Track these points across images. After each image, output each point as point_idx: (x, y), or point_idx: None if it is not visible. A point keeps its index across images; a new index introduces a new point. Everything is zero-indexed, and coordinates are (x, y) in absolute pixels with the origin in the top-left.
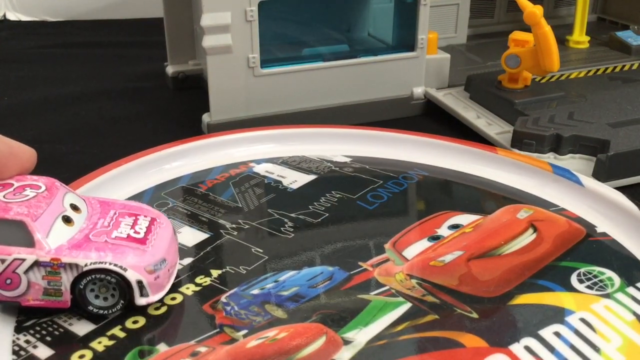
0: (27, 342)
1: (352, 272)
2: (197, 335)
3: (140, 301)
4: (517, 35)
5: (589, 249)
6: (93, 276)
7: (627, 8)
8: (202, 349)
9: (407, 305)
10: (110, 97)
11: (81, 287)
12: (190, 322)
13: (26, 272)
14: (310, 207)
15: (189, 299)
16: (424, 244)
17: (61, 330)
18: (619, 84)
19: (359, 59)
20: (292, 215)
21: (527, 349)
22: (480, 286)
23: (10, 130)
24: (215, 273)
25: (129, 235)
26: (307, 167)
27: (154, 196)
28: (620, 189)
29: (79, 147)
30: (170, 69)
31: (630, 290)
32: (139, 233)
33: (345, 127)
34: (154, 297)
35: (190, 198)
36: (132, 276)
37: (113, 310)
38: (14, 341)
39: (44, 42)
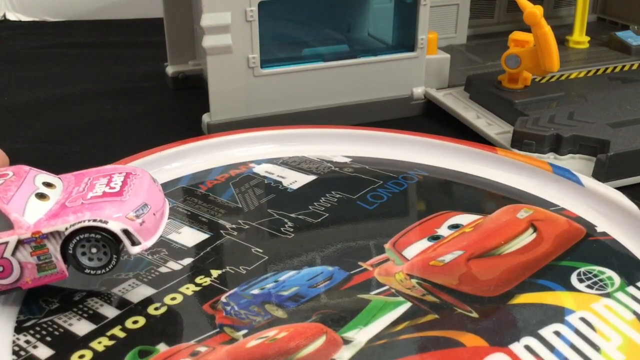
0: (27, 342)
1: (352, 272)
2: (197, 335)
3: (134, 250)
4: (517, 35)
5: (589, 249)
6: (78, 237)
7: (627, 8)
8: (202, 349)
9: (407, 305)
10: (110, 97)
11: (70, 251)
12: (190, 322)
13: (13, 254)
14: (310, 207)
15: (189, 299)
16: (424, 243)
17: (61, 330)
18: (619, 84)
19: (359, 59)
20: (292, 215)
21: (527, 348)
22: (480, 286)
23: (11, 130)
24: (215, 273)
25: (104, 192)
26: (307, 168)
27: None
28: (620, 189)
29: (79, 147)
30: (170, 69)
31: (630, 289)
32: (114, 188)
33: (345, 128)
34: (146, 243)
35: (190, 198)
36: (115, 227)
37: (109, 267)
38: (14, 341)
39: (44, 42)
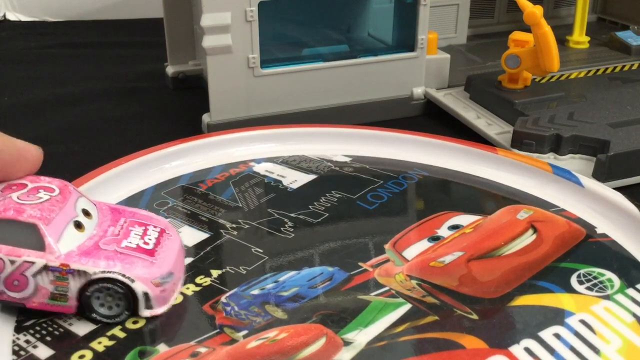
0: (27, 342)
1: (352, 273)
2: (197, 335)
3: (144, 313)
4: (517, 35)
5: (588, 250)
6: (100, 285)
7: (627, 8)
8: (202, 350)
9: (407, 306)
10: (110, 97)
11: (88, 294)
12: (191, 322)
13: (34, 275)
14: (310, 207)
15: (189, 299)
16: (424, 244)
17: (61, 330)
18: (619, 84)
19: (359, 59)
20: (292, 215)
21: (527, 350)
22: (480, 287)
23: (10, 130)
24: (215, 273)
25: (138, 246)
26: (307, 167)
27: (153, 195)
28: (620, 189)
29: (79, 147)
30: (170, 69)
31: (630, 291)
32: (148, 244)
33: (345, 127)
34: (158, 310)
35: (190, 197)
36: (139, 288)
37: (117, 319)
38: (14, 341)
39: (44, 42)
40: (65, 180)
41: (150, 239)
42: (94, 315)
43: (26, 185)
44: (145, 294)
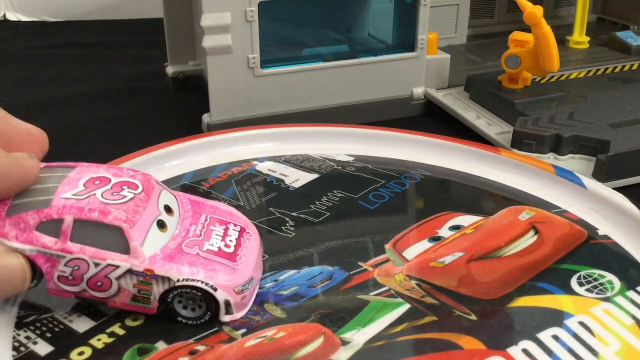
0: (27, 338)
1: (351, 272)
2: (195, 333)
3: (224, 318)
4: (517, 35)
5: (590, 252)
6: (184, 290)
7: (627, 8)
8: (201, 348)
9: (405, 306)
10: (110, 97)
11: (169, 300)
12: None
13: (118, 278)
14: (311, 206)
15: None
16: (424, 244)
17: (61, 326)
18: (619, 84)
19: (359, 59)
20: (294, 214)
21: (525, 352)
22: (480, 288)
23: None
24: None
25: (219, 249)
26: (309, 166)
27: None
28: (620, 189)
29: (79, 147)
30: (170, 69)
31: (631, 294)
32: (229, 247)
33: (348, 126)
34: (237, 315)
35: (192, 195)
36: (221, 296)
37: (199, 321)
38: (14, 337)
39: (44, 42)
40: (147, 173)
41: (231, 240)
42: (178, 318)
43: (109, 180)
44: (227, 302)
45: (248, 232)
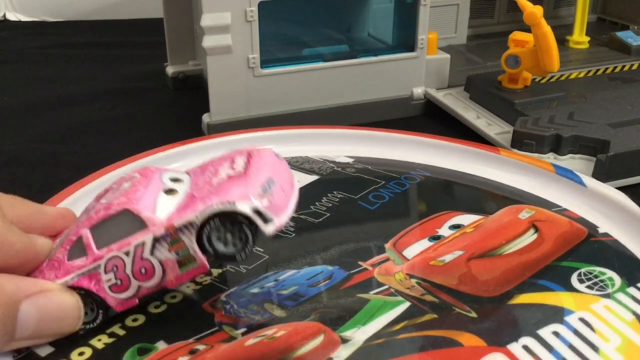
0: None
1: (352, 272)
2: (196, 333)
3: (268, 228)
4: (517, 35)
5: (590, 249)
6: (210, 224)
7: (627, 8)
8: (201, 347)
9: (406, 305)
10: (110, 97)
11: (206, 244)
12: (189, 320)
13: (152, 253)
14: (312, 207)
15: (189, 298)
16: (424, 243)
17: None
18: (619, 84)
19: (359, 59)
20: (294, 215)
21: (526, 348)
22: (480, 286)
23: (11, 130)
24: (215, 272)
25: (228, 176)
26: (309, 168)
27: None
28: (620, 189)
29: (79, 147)
30: (170, 69)
31: (631, 290)
32: (237, 169)
33: (348, 128)
34: (280, 219)
35: None
36: (243, 207)
37: (247, 250)
38: None
39: (44, 42)
40: (149, 166)
41: (238, 165)
42: (225, 256)
43: (111, 187)
44: (255, 210)
45: (257, 152)
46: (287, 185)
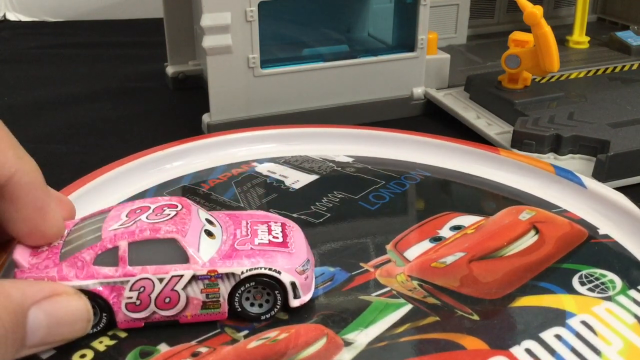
0: None
1: (353, 273)
2: (198, 335)
3: (294, 303)
4: (517, 35)
5: (591, 251)
6: (248, 284)
7: (627, 8)
8: (203, 349)
9: (408, 307)
10: (110, 97)
11: (237, 298)
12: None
13: (184, 288)
14: (312, 207)
15: None
16: (425, 245)
17: None
18: (619, 84)
19: (359, 59)
20: (294, 215)
21: (528, 351)
22: (482, 288)
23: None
24: None
25: (270, 241)
26: (309, 167)
27: (155, 196)
28: (620, 189)
29: (79, 147)
30: (170, 69)
31: (632, 292)
32: (277, 238)
33: (348, 127)
34: (305, 298)
35: (192, 198)
36: (286, 278)
37: (270, 314)
38: None
39: (44, 42)
40: (182, 197)
41: (277, 233)
42: (249, 316)
43: (149, 207)
44: (293, 284)
45: (290, 226)
46: (313, 267)
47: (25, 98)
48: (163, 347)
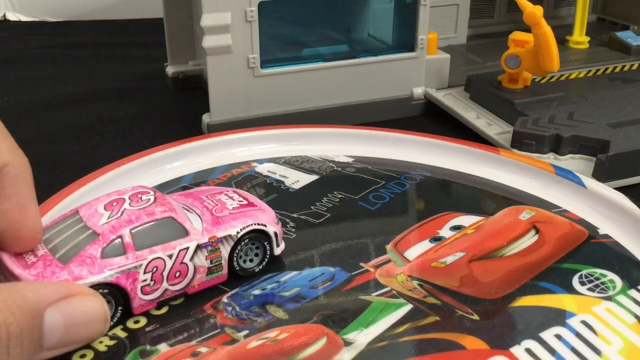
0: None
1: (353, 273)
2: (198, 335)
3: (278, 250)
4: (517, 35)
5: (591, 251)
6: (244, 242)
7: (627, 8)
8: (203, 350)
9: (408, 307)
10: (110, 97)
11: (236, 254)
12: (192, 322)
13: (192, 258)
14: (312, 207)
15: (191, 300)
16: (425, 245)
17: None
18: (619, 84)
19: (359, 59)
20: (294, 215)
21: (528, 351)
22: (482, 288)
23: (11, 130)
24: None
25: (240, 204)
26: (309, 167)
27: None
28: (620, 189)
29: (79, 147)
30: (170, 69)
31: (632, 292)
32: (243, 201)
33: (348, 127)
34: (282, 246)
35: None
36: (270, 230)
37: (261, 266)
38: None
39: (44, 42)
40: (142, 185)
41: (239, 198)
42: (245, 270)
43: (122, 199)
44: (275, 233)
45: (240, 192)
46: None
47: (25, 98)
48: (163, 347)
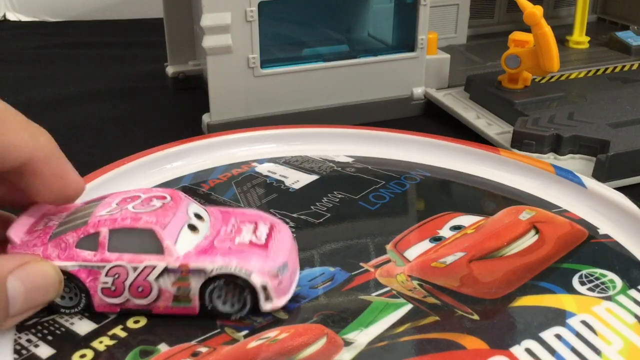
0: (29, 341)
1: (353, 273)
2: (198, 335)
3: (266, 306)
4: (517, 35)
5: (591, 251)
6: (219, 282)
7: (627, 8)
8: (203, 349)
9: (408, 307)
10: (110, 97)
11: (207, 295)
12: (192, 322)
13: (157, 279)
14: (312, 207)
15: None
16: (425, 245)
17: (62, 329)
18: (619, 84)
19: (359, 59)
20: (294, 215)
21: (528, 351)
22: (482, 288)
23: None
24: None
25: (251, 241)
26: (309, 167)
27: None
28: (620, 189)
29: (79, 147)
30: (170, 70)
31: (632, 292)
32: (260, 238)
33: (348, 127)
34: (278, 303)
35: (192, 198)
36: (257, 280)
37: (241, 314)
38: (15, 340)
39: (44, 42)
40: (177, 190)
41: (261, 234)
42: (217, 312)
43: (139, 197)
44: (264, 287)
45: (278, 228)
46: (294, 272)
47: (26, 98)
48: (163, 347)
